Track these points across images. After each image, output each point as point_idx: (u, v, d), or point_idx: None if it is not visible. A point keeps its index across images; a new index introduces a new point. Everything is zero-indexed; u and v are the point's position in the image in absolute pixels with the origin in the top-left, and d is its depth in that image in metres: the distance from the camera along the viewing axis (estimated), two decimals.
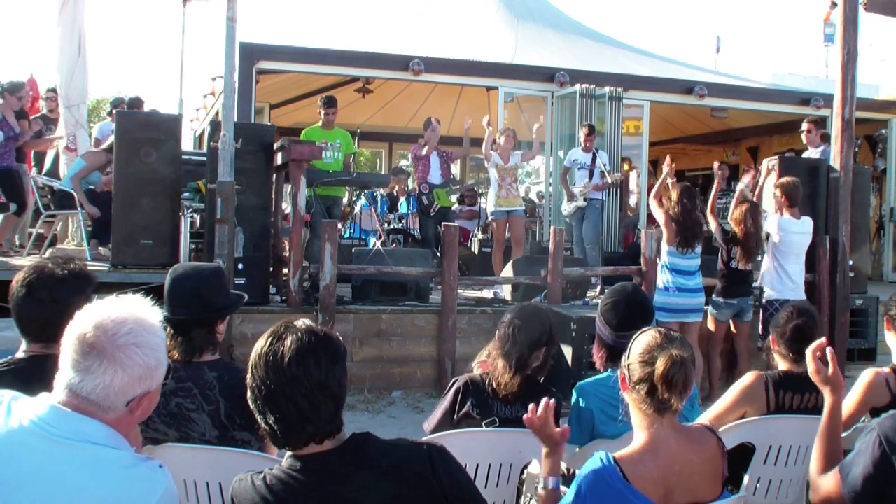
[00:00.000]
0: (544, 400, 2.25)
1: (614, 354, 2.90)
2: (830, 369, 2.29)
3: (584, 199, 8.85)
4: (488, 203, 9.02)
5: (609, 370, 2.98)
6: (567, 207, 9.08)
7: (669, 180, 6.45)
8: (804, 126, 8.78)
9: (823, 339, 2.37)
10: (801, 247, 6.57)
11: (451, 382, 3.03)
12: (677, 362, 2.01)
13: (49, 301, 2.30)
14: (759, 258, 6.89)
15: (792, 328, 3.19)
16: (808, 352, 2.34)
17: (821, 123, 9.11)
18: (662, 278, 6.30)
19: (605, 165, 8.80)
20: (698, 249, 6.26)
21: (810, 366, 2.32)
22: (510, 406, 2.89)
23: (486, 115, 9.11)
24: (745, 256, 6.46)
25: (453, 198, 9.13)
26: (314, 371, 1.72)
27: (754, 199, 7.04)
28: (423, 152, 8.71)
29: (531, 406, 2.26)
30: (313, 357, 1.73)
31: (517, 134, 8.89)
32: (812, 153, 8.66)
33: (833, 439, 2.26)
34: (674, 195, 6.22)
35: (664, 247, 6.31)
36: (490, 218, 8.88)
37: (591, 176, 8.87)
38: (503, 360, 2.90)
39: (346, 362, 1.81)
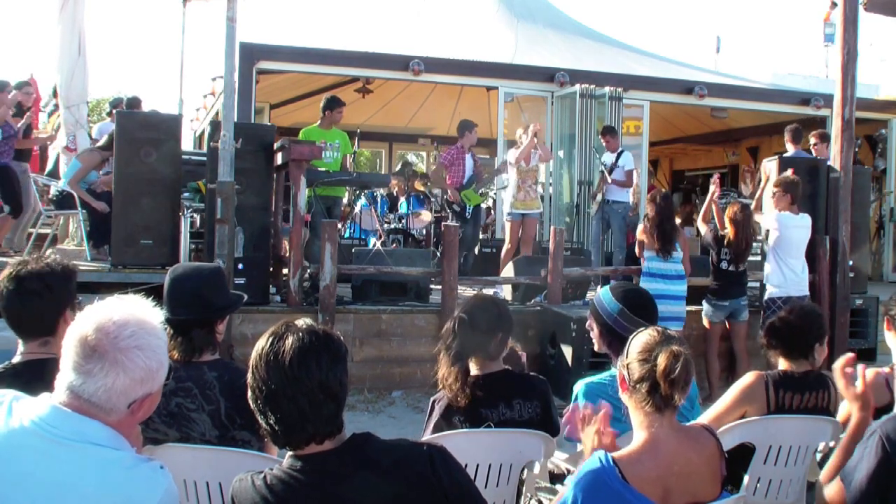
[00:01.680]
0: (600, 403, 2.27)
1: (612, 336, 2.92)
2: (860, 387, 2.27)
3: (604, 200, 8.83)
4: (504, 203, 8.96)
5: (610, 367, 2.99)
6: (592, 206, 9.17)
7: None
8: (812, 140, 8.69)
9: (851, 355, 2.35)
10: (801, 242, 6.60)
11: (431, 404, 2.93)
12: (678, 358, 2.01)
13: (51, 289, 2.31)
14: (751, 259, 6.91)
15: (770, 325, 3.22)
16: (837, 368, 2.33)
17: (822, 126, 9.05)
18: (645, 285, 6.20)
19: (604, 165, 8.80)
20: (678, 254, 6.30)
21: (839, 382, 2.30)
22: (494, 410, 2.85)
23: (533, 122, 8.95)
24: (735, 257, 6.49)
25: (481, 193, 9.17)
26: (315, 371, 1.72)
27: (752, 203, 7.10)
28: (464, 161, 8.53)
29: (585, 404, 2.28)
30: (315, 357, 1.73)
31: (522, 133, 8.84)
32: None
33: (851, 454, 2.24)
34: (651, 201, 6.35)
35: (645, 253, 6.38)
36: (505, 218, 8.80)
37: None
38: (445, 357, 2.81)
39: (346, 362, 1.80)
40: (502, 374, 2.91)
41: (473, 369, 2.85)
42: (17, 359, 2.33)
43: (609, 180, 8.72)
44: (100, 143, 7.83)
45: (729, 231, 6.48)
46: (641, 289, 3.12)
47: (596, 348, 3.10)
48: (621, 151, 8.99)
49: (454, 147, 9.02)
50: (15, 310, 2.33)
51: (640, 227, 6.49)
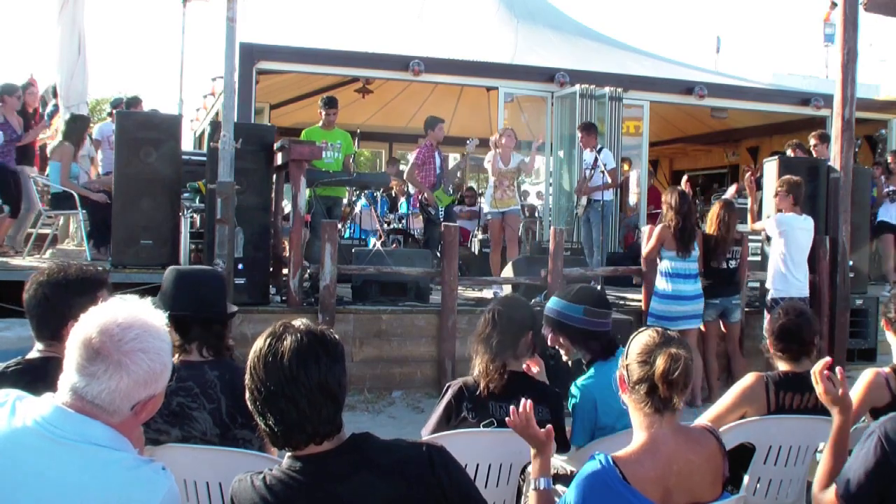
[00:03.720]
0: (523, 401, 2.26)
1: (587, 337, 3.05)
2: (840, 390, 2.28)
3: (587, 200, 8.88)
4: (484, 204, 8.98)
5: (590, 364, 3.11)
6: (578, 208, 9.21)
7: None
8: (812, 141, 8.69)
9: (828, 359, 2.35)
10: (805, 244, 6.59)
11: (445, 388, 3.01)
12: (677, 360, 2.01)
13: (48, 298, 2.36)
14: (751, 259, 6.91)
15: (779, 327, 3.21)
16: (815, 372, 2.32)
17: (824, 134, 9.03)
18: (662, 285, 6.33)
19: (604, 165, 8.80)
20: (695, 253, 6.29)
21: (818, 387, 2.30)
22: (506, 406, 2.88)
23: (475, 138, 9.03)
24: (715, 255, 6.46)
25: (450, 192, 9.09)
26: (314, 372, 1.72)
27: (753, 206, 7.08)
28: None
29: (511, 408, 2.27)
30: (313, 357, 1.73)
31: (517, 133, 8.86)
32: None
33: (838, 458, 2.25)
34: (670, 200, 6.28)
35: (663, 252, 6.35)
36: (485, 219, 8.84)
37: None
38: (483, 346, 2.91)
39: (345, 362, 1.80)
40: (521, 375, 2.94)
41: (486, 362, 2.93)
42: (33, 354, 2.39)
43: (589, 184, 8.80)
44: (59, 137, 7.83)
45: (711, 229, 6.49)
46: (585, 284, 3.26)
47: (567, 357, 3.17)
48: (600, 149, 8.99)
49: (424, 145, 8.94)
50: (27, 310, 2.42)
51: (658, 226, 6.42)
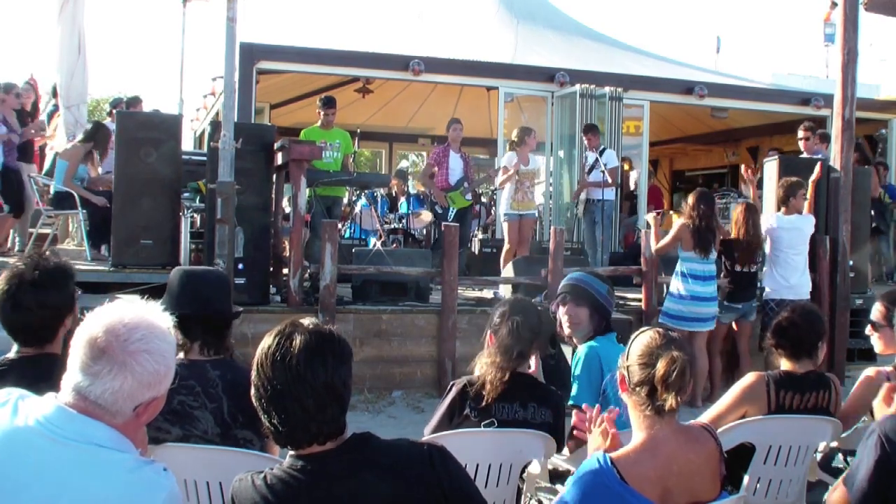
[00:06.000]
0: (585, 406, 2.32)
1: (602, 313, 3.31)
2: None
3: (587, 199, 8.88)
4: (501, 204, 8.87)
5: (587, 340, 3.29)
6: (577, 206, 9.20)
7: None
8: (801, 133, 8.68)
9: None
10: (794, 242, 6.57)
11: (450, 386, 3.00)
12: (677, 363, 2.00)
13: (26, 309, 2.29)
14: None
15: (777, 323, 3.23)
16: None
17: (817, 126, 9.00)
18: (677, 285, 6.29)
19: (605, 165, 8.80)
20: (714, 255, 6.27)
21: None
22: (508, 407, 2.88)
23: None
24: (744, 258, 6.45)
25: (469, 196, 9.01)
26: (321, 372, 1.72)
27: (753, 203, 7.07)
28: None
29: (585, 406, 2.34)
30: (321, 358, 1.73)
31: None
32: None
33: None
34: (690, 200, 6.26)
35: (680, 253, 6.32)
36: (502, 218, 8.75)
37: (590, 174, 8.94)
38: (502, 357, 2.86)
39: (351, 363, 1.80)
40: (525, 377, 2.94)
41: (498, 371, 2.91)
42: (11, 355, 2.33)
43: (587, 179, 8.81)
44: (79, 137, 7.83)
45: (735, 232, 6.47)
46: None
47: (569, 332, 3.33)
48: (603, 149, 8.99)
49: (441, 146, 8.95)
50: (11, 323, 2.33)
51: (678, 223, 6.37)
